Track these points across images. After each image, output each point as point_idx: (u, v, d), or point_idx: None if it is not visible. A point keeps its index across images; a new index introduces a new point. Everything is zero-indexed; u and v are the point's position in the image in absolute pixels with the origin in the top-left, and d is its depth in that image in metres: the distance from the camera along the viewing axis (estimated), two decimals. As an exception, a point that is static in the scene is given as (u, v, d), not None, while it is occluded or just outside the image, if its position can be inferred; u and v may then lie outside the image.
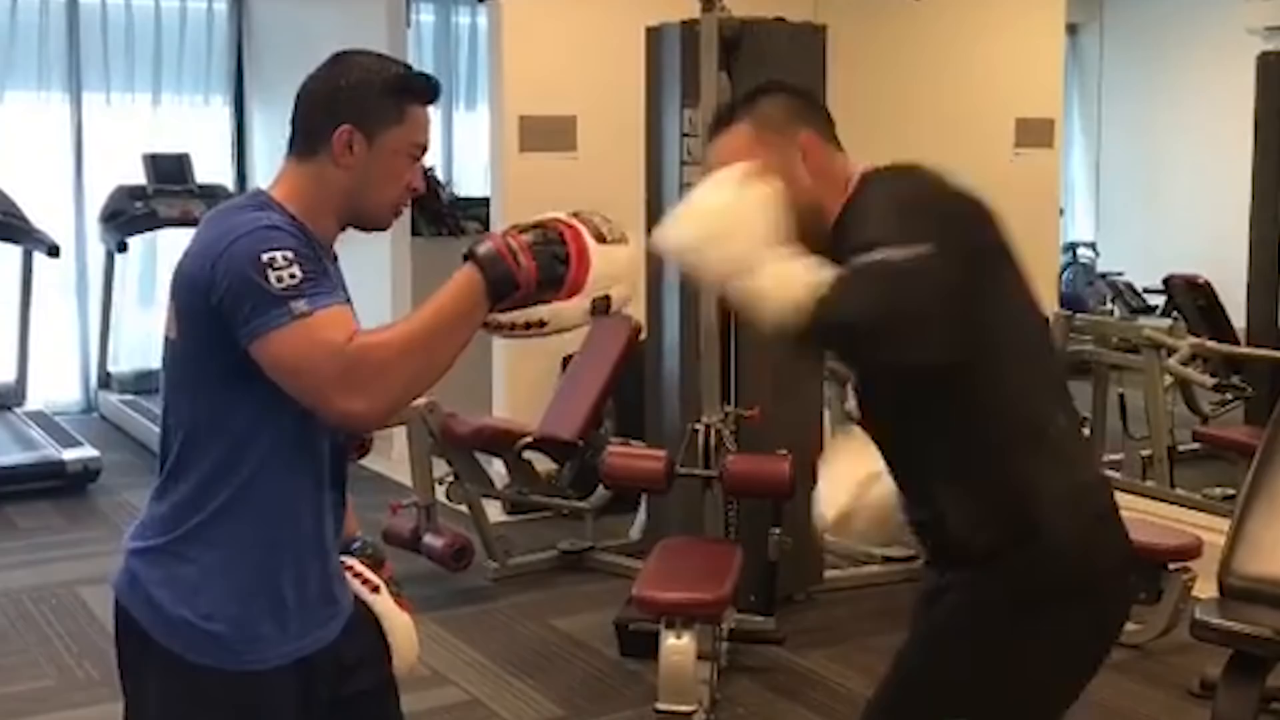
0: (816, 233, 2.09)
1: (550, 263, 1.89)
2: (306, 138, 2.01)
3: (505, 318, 1.93)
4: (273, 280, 1.83)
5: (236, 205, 2.01)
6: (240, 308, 1.85)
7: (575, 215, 1.94)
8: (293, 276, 1.83)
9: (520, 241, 1.88)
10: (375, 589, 2.20)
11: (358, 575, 2.18)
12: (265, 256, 1.84)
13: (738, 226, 1.93)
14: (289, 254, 1.85)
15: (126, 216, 7.56)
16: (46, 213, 7.47)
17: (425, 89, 2.05)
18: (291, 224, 1.94)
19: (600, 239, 1.92)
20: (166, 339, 1.99)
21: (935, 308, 1.88)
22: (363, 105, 1.99)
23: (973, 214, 2.09)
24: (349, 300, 1.96)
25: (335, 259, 2.06)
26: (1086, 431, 6.42)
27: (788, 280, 1.88)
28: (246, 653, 1.95)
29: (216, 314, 1.87)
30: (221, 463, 1.93)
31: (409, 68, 2.07)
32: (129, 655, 2.02)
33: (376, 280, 6.90)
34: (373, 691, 2.15)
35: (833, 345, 2.06)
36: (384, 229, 2.09)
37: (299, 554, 2.00)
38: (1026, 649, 2.06)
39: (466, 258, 1.89)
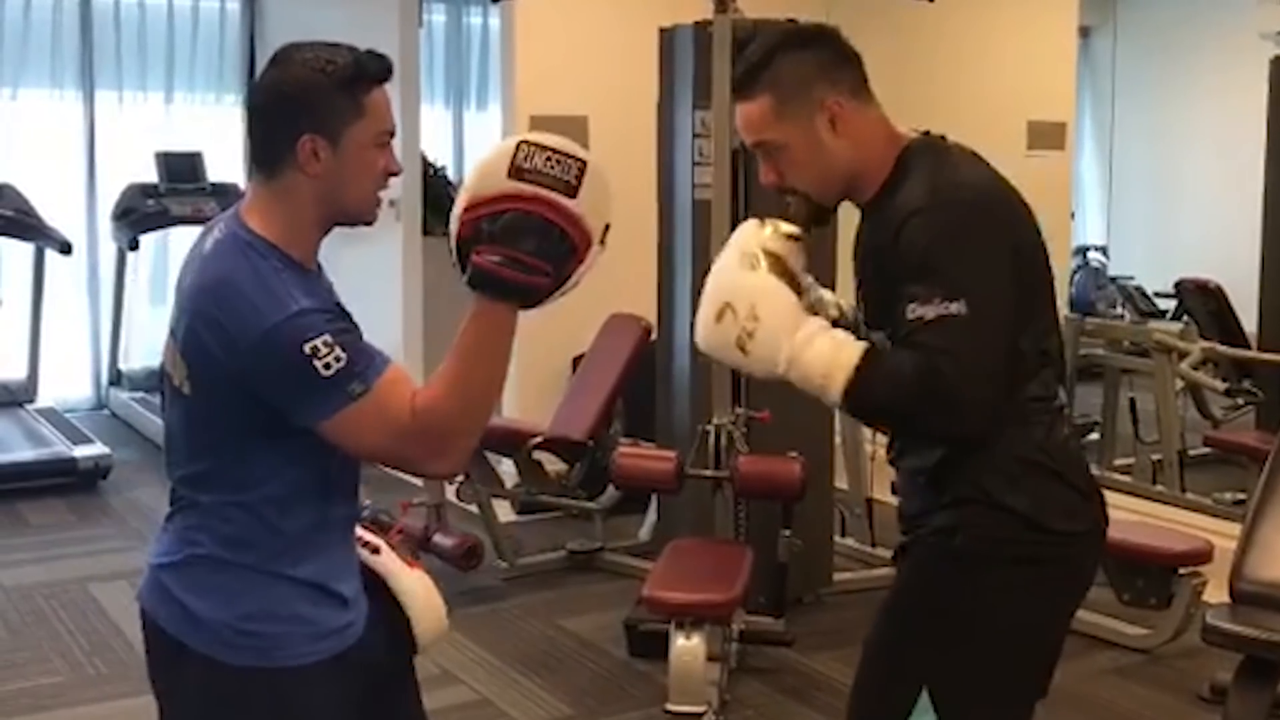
0: (855, 193, 2.19)
1: (554, 247, 1.86)
2: (268, 154, 1.93)
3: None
4: (320, 369, 1.81)
5: (244, 266, 1.89)
6: (290, 395, 1.84)
7: (522, 176, 1.85)
8: (339, 360, 1.82)
9: (515, 251, 1.84)
10: (375, 550, 2.18)
11: (358, 539, 2.15)
12: (308, 347, 1.81)
13: (759, 329, 2.05)
14: (328, 337, 1.82)
15: (138, 214, 7.56)
16: (59, 210, 7.48)
17: (379, 71, 1.94)
18: (291, 275, 1.89)
19: (569, 189, 1.87)
20: (171, 385, 1.96)
21: (965, 393, 1.98)
22: (318, 108, 1.89)
23: (1014, 225, 2.13)
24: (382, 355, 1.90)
25: (320, 269, 2.02)
26: (1096, 435, 6.44)
27: (817, 372, 2.03)
28: (286, 650, 1.95)
29: (248, 392, 1.86)
30: (241, 499, 1.93)
31: (357, 51, 1.94)
32: (163, 667, 2.02)
33: (388, 279, 6.91)
34: (394, 682, 2.16)
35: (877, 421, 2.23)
36: (370, 223, 2.02)
37: (333, 560, 2.01)
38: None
39: (472, 286, 1.86)
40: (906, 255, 2.02)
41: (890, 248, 2.06)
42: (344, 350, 1.82)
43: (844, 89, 2.14)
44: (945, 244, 2.01)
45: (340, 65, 1.91)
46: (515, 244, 1.84)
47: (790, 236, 2.22)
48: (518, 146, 1.87)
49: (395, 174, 1.99)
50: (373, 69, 1.93)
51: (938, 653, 2.14)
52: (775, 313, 2.06)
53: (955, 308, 1.96)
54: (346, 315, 1.95)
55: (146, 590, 2.02)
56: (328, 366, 1.81)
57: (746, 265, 2.11)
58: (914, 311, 1.98)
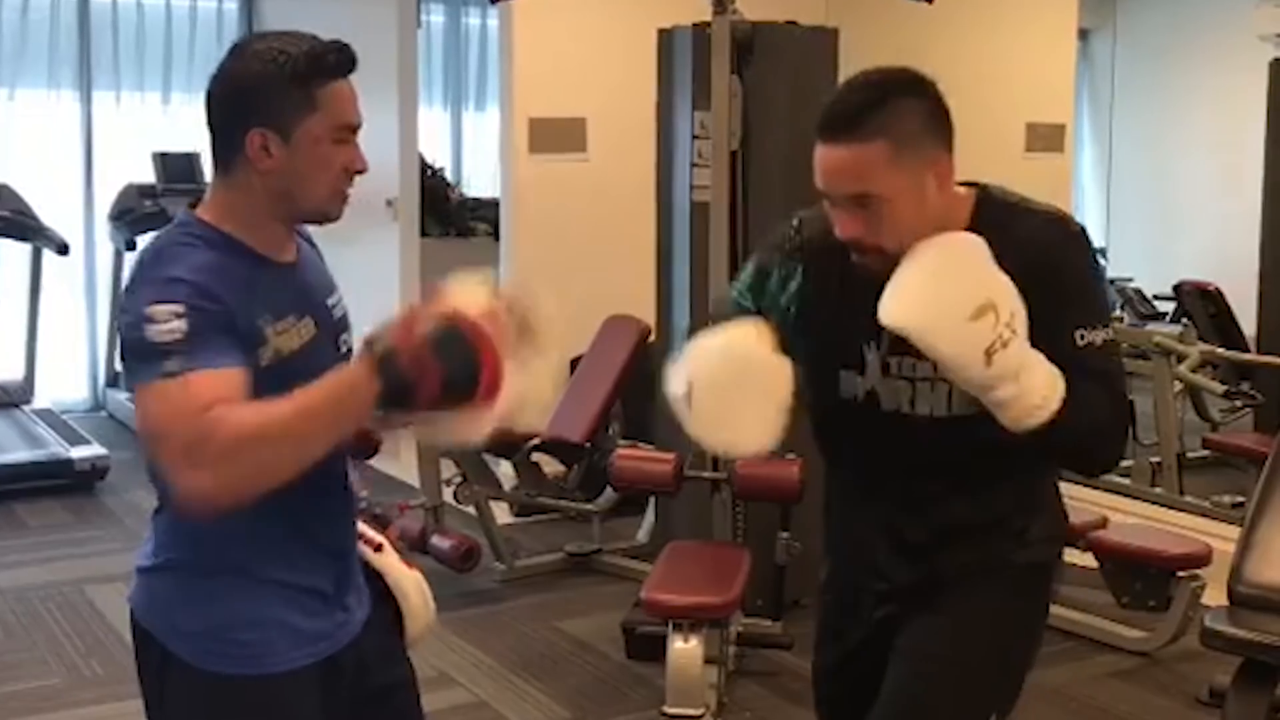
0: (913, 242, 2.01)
1: (457, 380, 1.73)
2: (221, 146, 1.88)
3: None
4: (151, 332, 1.74)
5: (162, 243, 1.89)
6: (126, 358, 1.80)
7: (500, 308, 1.79)
8: (172, 331, 1.73)
9: (427, 350, 1.72)
10: (378, 547, 2.15)
11: (359, 535, 2.12)
12: (149, 309, 1.75)
13: (1015, 340, 1.91)
14: (178, 307, 1.74)
15: (136, 215, 7.56)
16: (56, 211, 7.47)
17: (336, 64, 1.85)
18: (213, 256, 1.83)
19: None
20: None
21: (1127, 415, 2.09)
22: (269, 102, 1.83)
23: None
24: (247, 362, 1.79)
25: (295, 262, 1.97)
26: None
27: (1039, 394, 1.93)
28: (266, 659, 1.92)
29: None
30: None
31: (315, 42, 1.87)
32: (150, 671, 2.00)
33: (386, 281, 6.90)
34: (393, 686, 2.12)
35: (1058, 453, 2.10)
36: (333, 220, 1.93)
37: (313, 561, 1.97)
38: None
39: (368, 345, 1.74)
40: (1067, 285, 2.02)
41: (1025, 282, 1.95)
42: (186, 323, 1.74)
43: (947, 146, 2.00)
44: (1094, 276, 2.09)
45: (293, 57, 1.83)
46: (437, 347, 1.74)
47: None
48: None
49: (360, 171, 1.91)
50: (329, 61, 1.86)
51: (1007, 674, 2.19)
52: (1025, 324, 1.91)
53: (1110, 333, 2.04)
54: (298, 312, 1.89)
55: (134, 594, 1.99)
56: (158, 334, 1.74)
57: (993, 262, 1.91)
58: (1084, 339, 2.01)
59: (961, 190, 2.07)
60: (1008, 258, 1.96)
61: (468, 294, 1.80)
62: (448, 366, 1.73)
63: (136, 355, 1.77)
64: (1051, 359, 1.95)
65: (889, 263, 1.96)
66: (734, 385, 2.11)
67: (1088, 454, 2.10)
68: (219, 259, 1.84)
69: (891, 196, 1.94)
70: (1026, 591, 2.20)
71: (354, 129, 1.90)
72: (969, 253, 1.92)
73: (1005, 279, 1.91)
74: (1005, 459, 2.07)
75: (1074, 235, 2.07)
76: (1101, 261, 9.56)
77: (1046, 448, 2.02)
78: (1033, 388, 1.92)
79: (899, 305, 1.91)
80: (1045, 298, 1.96)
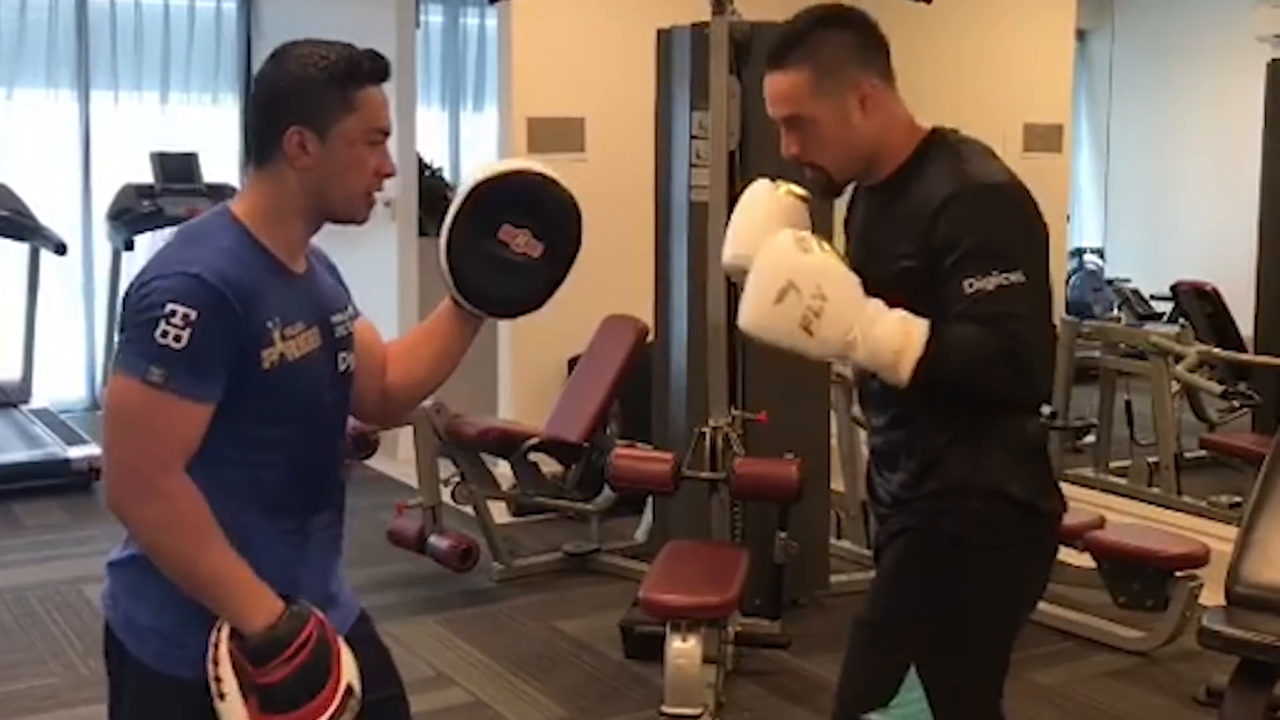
0: (868, 174, 2.24)
1: (286, 694, 1.85)
2: (260, 144, 1.96)
3: (229, 679, 1.87)
4: (158, 331, 1.79)
5: (195, 227, 1.96)
6: (124, 334, 1.84)
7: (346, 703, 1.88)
8: (177, 340, 1.79)
9: (299, 662, 1.85)
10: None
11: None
12: (169, 307, 1.79)
13: (826, 308, 2.02)
14: (192, 314, 1.79)
15: (134, 215, 7.54)
16: (54, 210, 7.47)
17: (372, 70, 1.95)
18: (238, 245, 1.89)
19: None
20: None
21: (1037, 353, 2.08)
22: (307, 101, 1.92)
23: (1038, 217, 2.19)
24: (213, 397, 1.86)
25: (305, 274, 2.00)
26: (1092, 438, 6.44)
27: (888, 348, 2.03)
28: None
29: None
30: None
31: (353, 49, 1.97)
32: (111, 665, 2.02)
33: (384, 281, 6.90)
34: (384, 701, 2.09)
35: (947, 393, 2.14)
36: (360, 222, 2.02)
37: (270, 575, 1.92)
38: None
39: (285, 599, 1.89)
40: (950, 237, 2.08)
41: (917, 231, 2.12)
42: (190, 339, 1.80)
43: (875, 72, 2.20)
44: (992, 223, 2.10)
45: (332, 61, 1.93)
46: (308, 673, 1.87)
47: (799, 198, 2.35)
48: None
49: (388, 174, 1.99)
50: (365, 67, 1.95)
51: (933, 633, 2.19)
52: (842, 291, 2.04)
53: (1014, 276, 2.05)
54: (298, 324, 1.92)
55: (104, 589, 2.02)
56: (164, 334, 1.80)
57: (801, 248, 2.07)
58: (972, 286, 2.05)
59: (924, 127, 2.25)
60: (909, 203, 2.15)
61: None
62: (291, 685, 1.86)
63: (133, 341, 1.82)
64: (948, 308, 2.05)
65: (832, 181, 2.24)
66: (755, 217, 2.39)
67: (976, 390, 2.11)
68: (242, 251, 1.90)
69: (817, 118, 2.18)
70: (959, 541, 2.18)
71: (385, 133, 1.99)
72: (773, 247, 2.10)
73: (813, 259, 2.05)
74: (930, 401, 2.13)
75: (970, 187, 2.11)
76: (1099, 261, 9.56)
77: (936, 390, 2.09)
78: (879, 344, 2.03)
79: (741, 313, 2.13)
80: (935, 248, 2.09)
